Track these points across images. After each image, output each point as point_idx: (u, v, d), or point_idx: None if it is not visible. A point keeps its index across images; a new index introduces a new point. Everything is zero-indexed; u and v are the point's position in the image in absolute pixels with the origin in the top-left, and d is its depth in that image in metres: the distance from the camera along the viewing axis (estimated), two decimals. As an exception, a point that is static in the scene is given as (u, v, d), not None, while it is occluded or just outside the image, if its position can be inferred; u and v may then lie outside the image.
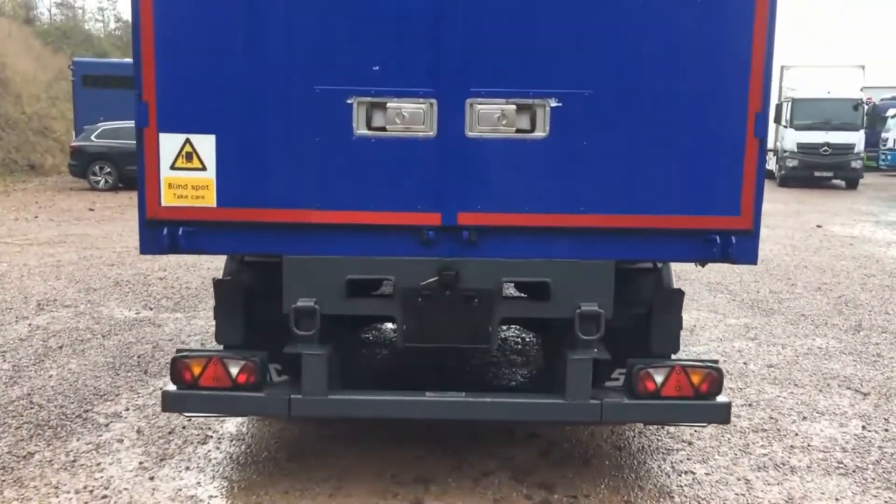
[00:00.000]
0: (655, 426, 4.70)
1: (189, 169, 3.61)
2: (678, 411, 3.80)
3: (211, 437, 4.65)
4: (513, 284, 4.00)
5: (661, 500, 3.96)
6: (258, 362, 3.75)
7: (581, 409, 3.70)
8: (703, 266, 4.49)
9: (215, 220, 3.65)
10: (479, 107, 3.57)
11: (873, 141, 30.63)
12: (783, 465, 4.39)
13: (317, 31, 3.55)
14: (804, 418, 5.12)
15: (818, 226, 15.50)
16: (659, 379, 3.72)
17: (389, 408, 3.77)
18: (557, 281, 3.69)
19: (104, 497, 3.92)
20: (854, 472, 4.32)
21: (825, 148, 25.19)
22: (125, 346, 6.57)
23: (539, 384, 5.46)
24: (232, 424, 4.80)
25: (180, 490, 4.00)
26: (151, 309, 7.95)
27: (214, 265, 9.41)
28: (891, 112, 33.23)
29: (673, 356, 4.21)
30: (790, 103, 26.12)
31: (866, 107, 27.25)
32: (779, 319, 7.89)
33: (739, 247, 3.64)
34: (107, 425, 4.85)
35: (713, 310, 8.23)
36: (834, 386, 5.80)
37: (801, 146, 25.19)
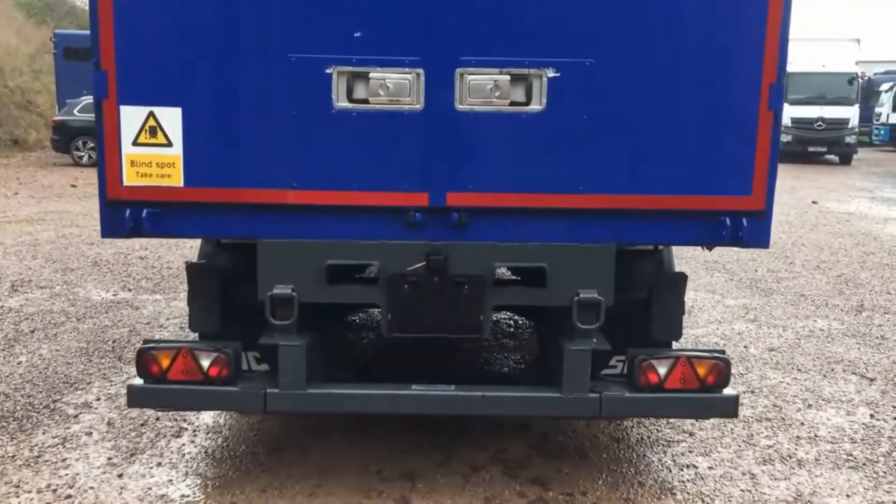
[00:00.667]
0: (655, 416, 4.46)
1: (153, 145, 3.31)
2: (683, 405, 3.55)
3: (186, 429, 4.39)
4: (506, 269, 3.73)
5: (663, 497, 3.73)
6: (231, 354, 3.48)
7: (579, 403, 3.45)
8: (709, 250, 4.22)
9: (182, 201, 3.35)
10: (470, 77, 3.27)
11: (866, 116, 30.38)
12: (790, 457, 4.16)
13: (292, -7, 3.23)
14: (809, 406, 4.90)
15: (814, 202, 15.29)
16: (662, 371, 3.47)
17: (373, 403, 3.51)
18: (554, 266, 3.43)
19: (68, 497, 3.66)
20: (864, 465, 4.10)
21: (819, 123, 24.93)
22: (100, 330, 6.29)
23: (533, 372, 5.22)
24: (209, 415, 4.54)
25: (150, 489, 3.74)
26: (130, 290, 7.66)
27: (197, 244, 9.11)
28: (884, 86, 32.97)
29: (675, 343, 3.98)
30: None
31: (861, 81, 26.98)
32: (778, 300, 7.67)
33: (751, 229, 3.38)
34: (76, 416, 4.58)
35: (711, 290, 8.00)
36: (839, 371, 5.58)
37: (795, 121, 24.89)
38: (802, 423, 4.61)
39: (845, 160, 25.69)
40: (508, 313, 6.40)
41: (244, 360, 3.82)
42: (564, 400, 3.45)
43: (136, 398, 3.53)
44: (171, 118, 3.30)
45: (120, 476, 3.86)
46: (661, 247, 3.98)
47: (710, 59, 3.31)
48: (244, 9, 3.25)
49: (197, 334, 3.93)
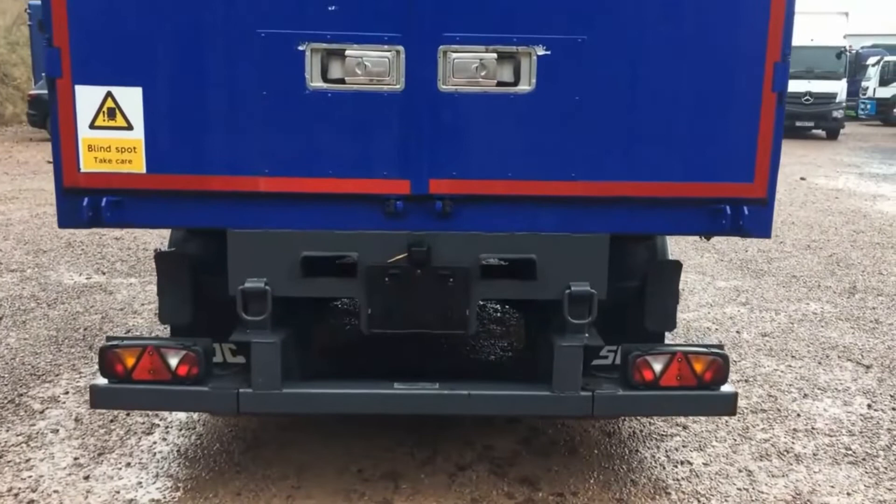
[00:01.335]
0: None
1: (112, 128, 3.06)
2: (679, 403, 3.38)
3: (157, 425, 4.19)
4: (493, 261, 3.52)
5: (657, 497, 3.57)
6: (201, 352, 3.26)
7: (570, 402, 3.27)
8: (707, 240, 4.03)
9: (145, 189, 3.11)
10: (454, 55, 3.04)
11: (853, 90, 30.24)
12: (787, 452, 4.01)
13: (261, -38, 2.98)
14: (805, 396, 4.75)
15: (802, 178, 15.14)
16: (658, 367, 3.29)
17: (353, 403, 3.32)
18: (544, 257, 3.22)
19: (31, 501, 3.46)
20: (864, 460, 3.96)
21: (807, 97, 24.75)
22: (71, 317, 6.05)
23: (521, 362, 5.04)
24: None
25: (118, 492, 3.54)
26: (104, 273, 7.40)
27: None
28: (871, 60, 32.85)
29: (668, 335, 3.80)
30: (773, 51, 25.56)
31: (848, 55, 26.81)
32: (770, 281, 7.53)
33: (752, 218, 3.18)
34: (42, 412, 4.36)
35: (701, 271, 7.84)
36: (833, 357, 5.44)
37: (782, 95, 24.65)
38: (799, 415, 4.47)
39: (832, 135, 25.57)
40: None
41: (219, 353, 3.61)
42: (555, 399, 3.26)
43: (99, 399, 3.32)
44: (131, 99, 3.05)
45: (86, 478, 3.66)
46: (655, 233, 3.78)
47: (711, 36, 3.09)
48: (209, -20, 2.99)
49: (168, 326, 3.72)
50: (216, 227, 3.21)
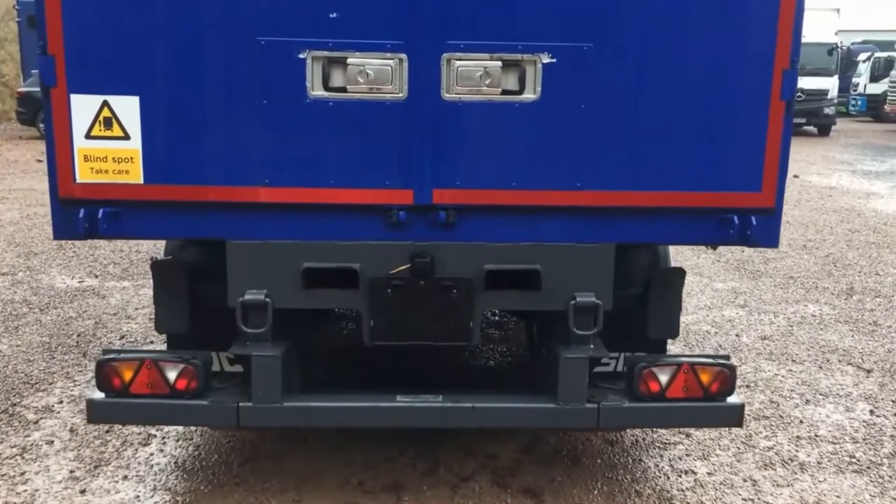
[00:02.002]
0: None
1: (109, 138, 3.00)
2: (685, 415, 3.35)
3: (154, 435, 4.12)
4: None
5: (662, 508, 3.54)
6: (200, 365, 3.20)
7: (575, 414, 3.22)
8: (713, 249, 3.99)
9: (142, 200, 3.04)
10: (458, 63, 2.98)
11: (844, 86, 30.30)
12: (791, 461, 3.99)
13: (261, -32, 2.91)
14: (807, 401, 4.73)
15: (795, 176, 15.13)
16: (664, 379, 3.25)
17: (355, 416, 3.27)
18: (549, 268, 3.17)
19: (26, 517, 3.40)
20: (868, 468, 3.93)
21: (799, 94, 24.72)
22: (64, 323, 5.96)
23: (521, 368, 4.99)
24: (179, 420, 4.26)
25: (115, 507, 3.48)
26: (97, 276, 7.32)
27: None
28: (862, 56, 32.93)
29: (670, 342, 3.76)
30: (765, 48, 25.56)
31: (840, 51, 26.85)
32: (767, 283, 7.51)
33: (760, 228, 3.14)
34: (36, 423, 4.29)
35: (698, 272, 7.81)
36: (834, 361, 5.42)
37: (775, 92, 24.67)
38: (801, 422, 4.44)
39: (824, 131, 25.62)
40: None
41: (216, 362, 3.55)
42: (560, 411, 3.22)
43: (96, 414, 3.25)
44: (128, 108, 2.98)
45: (83, 492, 3.59)
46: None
47: (719, 44, 3.05)
48: (208, -14, 2.93)
49: (164, 335, 3.66)
50: (215, 238, 3.15)
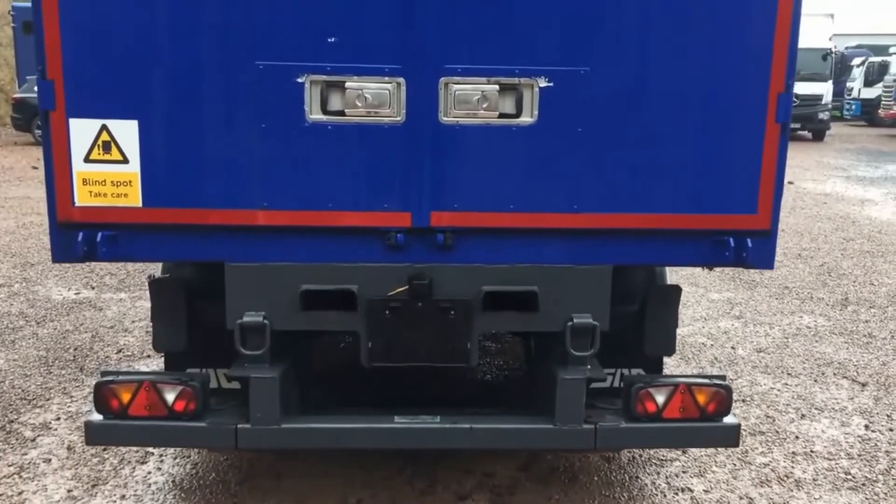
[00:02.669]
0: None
1: (107, 161, 3.00)
2: (682, 436, 3.36)
3: (152, 454, 4.12)
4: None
5: (659, 527, 3.56)
6: (198, 387, 3.20)
7: (573, 435, 3.24)
8: (710, 270, 4.01)
9: (141, 223, 3.05)
10: (456, 87, 3.00)
11: (838, 90, 30.45)
12: (787, 477, 4.01)
13: (259, -7, 2.93)
14: (803, 416, 4.75)
15: (790, 182, 15.18)
16: (660, 399, 3.26)
17: (353, 437, 3.27)
18: (546, 290, 3.19)
19: (24, 538, 3.40)
20: (864, 485, 3.96)
21: (793, 99, 24.85)
22: (61, 336, 5.96)
23: (519, 383, 5.00)
24: (176, 437, 4.26)
25: (113, 527, 3.48)
26: (93, 288, 7.31)
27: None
28: (856, 61, 33.09)
29: (666, 359, 3.77)
30: (759, 53, 25.63)
31: (834, 56, 26.96)
32: (762, 293, 7.54)
33: (756, 250, 3.16)
34: (33, 440, 4.29)
35: (693, 282, 7.83)
36: (829, 374, 5.44)
37: (769, 97, 24.73)
38: (797, 437, 4.46)
39: (818, 136, 25.74)
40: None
41: (214, 378, 3.57)
42: (557, 432, 3.23)
43: (94, 436, 3.25)
44: (127, 132, 2.98)
45: (80, 512, 3.60)
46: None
47: (714, 67, 3.07)
48: (206, 10, 2.94)
49: (162, 353, 3.66)
50: (214, 260, 3.16)
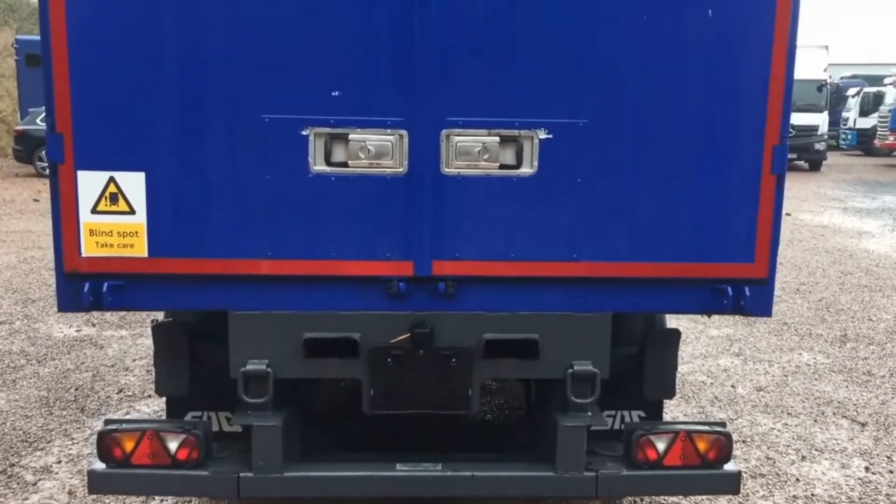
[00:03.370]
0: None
1: (114, 213, 3.05)
2: (682, 483, 3.37)
3: (153, 498, 4.12)
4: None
5: (661, 574, 3.55)
6: (201, 435, 3.22)
7: (574, 483, 3.25)
8: (709, 317, 4.05)
9: (147, 273, 3.09)
10: (457, 139, 3.06)
11: (834, 120, 30.71)
12: (788, 521, 4.01)
13: (265, 48, 2.99)
14: (803, 458, 4.75)
15: (787, 213, 15.27)
16: (661, 447, 3.28)
17: (355, 486, 3.28)
18: (547, 337, 3.22)
19: (25, 587, 3.39)
20: (865, 529, 3.96)
21: (789, 130, 25.03)
22: (62, 375, 5.97)
23: (520, 424, 5.01)
24: (177, 481, 4.26)
25: (114, 575, 3.48)
26: (94, 325, 7.33)
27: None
28: (851, 91, 33.42)
29: (666, 402, 3.78)
30: (755, 85, 25.89)
31: (829, 87, 27.24)
32: (761, 329, 7.56)
33: (753, 298, 3.20)
34: (34, 484, 4.29)
35: (693, 318, 7.83)
36: (829, 414, 5.45)
37: (766, 128, 24.92)
38: (798, 479, 4.46)
39: (815, 167, 25.93)
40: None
41: (215, 422, 3.59)
42: (559, 479, 3.25)
43: (97, 485, 3.25)
44: (134, 184, 3.04)
45: (81, 559, 3.59)
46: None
47: (711, 121, 3.13)
48: (213, 66, 3.01)
49: (164, 397, 3.68)
50: (218, 309, 3.20)
